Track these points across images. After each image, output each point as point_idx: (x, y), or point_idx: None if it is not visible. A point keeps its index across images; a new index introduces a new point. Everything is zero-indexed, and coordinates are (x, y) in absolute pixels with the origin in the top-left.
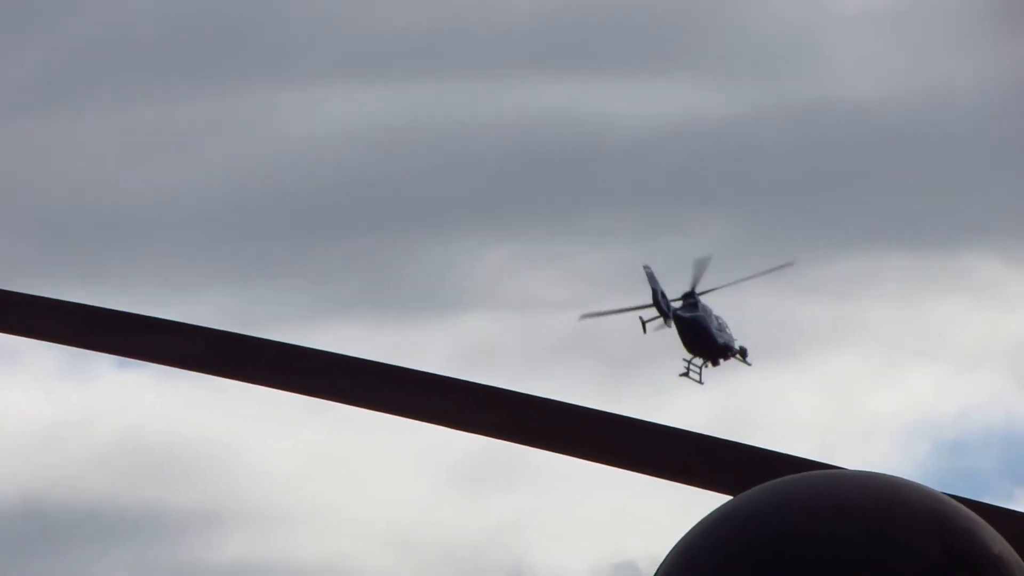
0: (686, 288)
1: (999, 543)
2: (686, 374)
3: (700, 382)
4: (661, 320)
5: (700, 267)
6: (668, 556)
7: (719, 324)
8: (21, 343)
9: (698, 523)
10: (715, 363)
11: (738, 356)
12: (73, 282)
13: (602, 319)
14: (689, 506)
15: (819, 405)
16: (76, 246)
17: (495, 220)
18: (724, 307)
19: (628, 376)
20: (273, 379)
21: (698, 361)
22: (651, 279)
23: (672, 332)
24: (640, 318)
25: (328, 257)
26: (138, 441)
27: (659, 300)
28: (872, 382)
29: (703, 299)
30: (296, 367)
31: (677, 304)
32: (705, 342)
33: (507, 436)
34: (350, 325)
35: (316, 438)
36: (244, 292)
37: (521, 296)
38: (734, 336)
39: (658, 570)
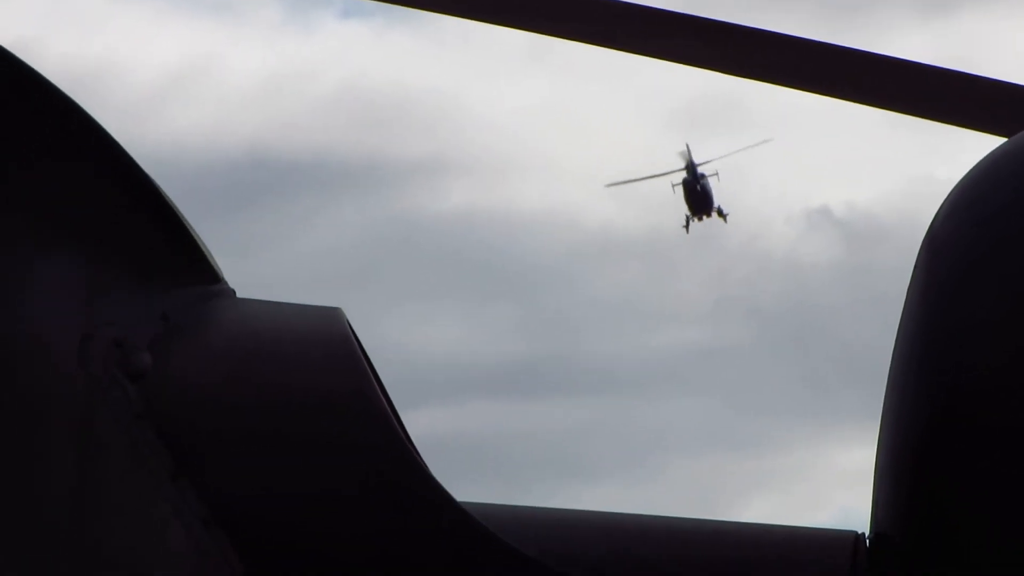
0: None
1: None
2: (686, 227)
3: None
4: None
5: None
6: (950, 197)
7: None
8: None
9: (981, 161)
10: (700, 219)
11: (720, 215)
12: None
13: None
14: (927, 152)
15: None
16: None
17: None
18: None
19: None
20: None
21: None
22: (689, 154)
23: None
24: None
25: None
26: (360, 91)
27: (694, 170)
28: None
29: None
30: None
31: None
32: (706, 205)
33: (738, 71)
34: None
35: (539, 86)
36: None
37: None
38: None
39: (938, 212)
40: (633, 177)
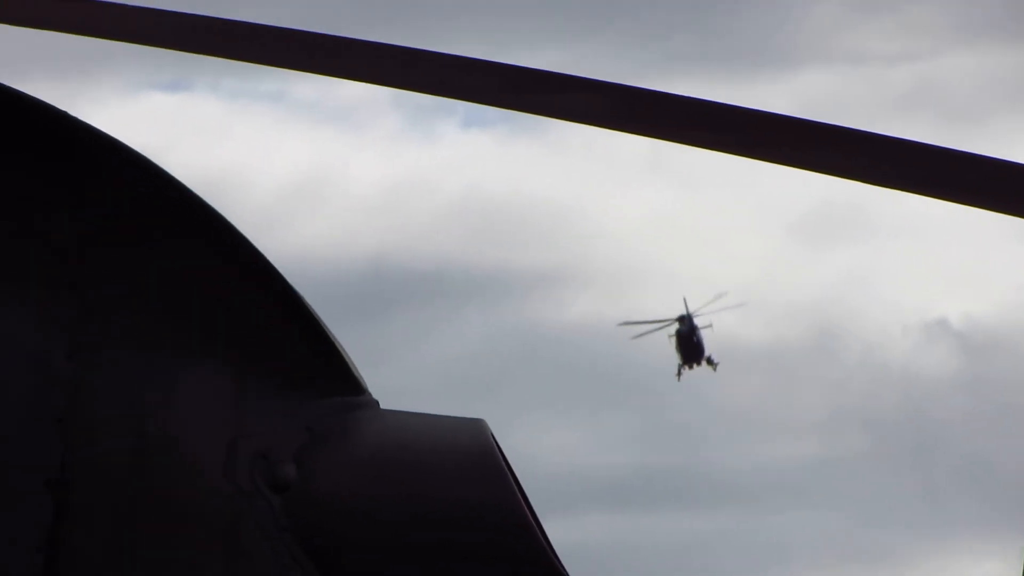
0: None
1: None
2: (678, 375)
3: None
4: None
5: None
6: None
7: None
8: (362, 105)
9: None
10: (691, 367)
11: (709, 363)
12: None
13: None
14: None
15: None
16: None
17: None
18: None
19: (973, 128)
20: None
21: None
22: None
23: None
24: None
25: (655, 10)
26: (482, 201)
27: (690, 320)
28: None
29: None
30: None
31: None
32: (698, 355)
33: (856, 176)
34: (684, 80)
35: (659, 196)
36: (578, 48)
37: (854, 49)
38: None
39: None
40: (646, 320)
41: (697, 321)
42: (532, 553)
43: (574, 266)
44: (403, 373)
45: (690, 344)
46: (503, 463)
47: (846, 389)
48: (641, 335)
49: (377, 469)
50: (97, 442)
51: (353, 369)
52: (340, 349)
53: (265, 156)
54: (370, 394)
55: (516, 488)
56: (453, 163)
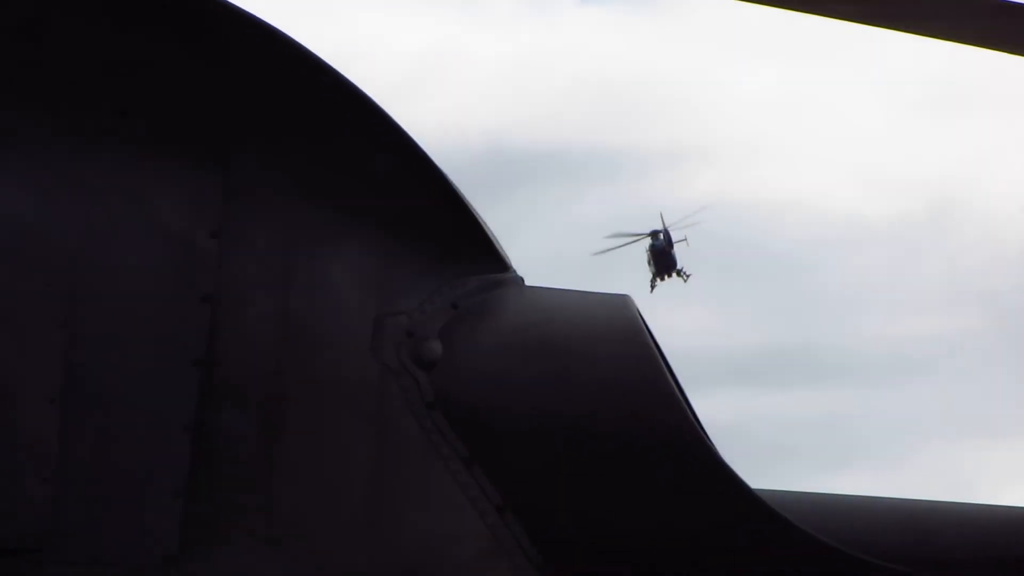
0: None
1: None
2: (652, 288)
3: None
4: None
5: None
6: None
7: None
8: None
9: None
10: (663, 279)
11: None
12: None
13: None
14: None
15: None
16: None
17: None
18: None
19: None
20: None
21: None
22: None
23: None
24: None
25: None
26: (602, 80)
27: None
28: None
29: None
30: None
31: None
32: (670, 267)
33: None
34: None
35: (784, 72)
36: None
37: None
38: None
39: None
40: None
41: (673, 235)
42: (679, 426)
43: (694, 144)
44: (522, 252)
45: (662, 257)
46: (649, 337)
47: (965, 266)
48: (609, 250)
49: (522, 344)
50: (243, 320)
51: (497, 246)
52: (484, 227)
53: (385, 35)
54: (515, 271)
55: (663, 362)
56: (571, 41)
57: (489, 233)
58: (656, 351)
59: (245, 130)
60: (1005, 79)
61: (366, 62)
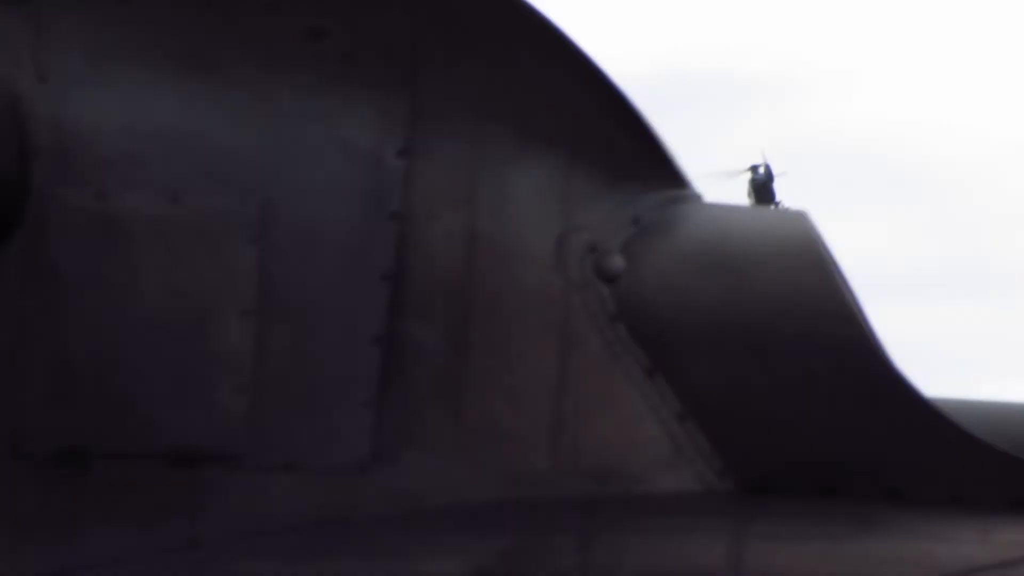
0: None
1: None
2: None
3: None
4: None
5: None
6: None
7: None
8: None
9: None
10: None
11: None
12: None
13: None
14: None
15: None
16: None
17: None
18: None
19: None
20: None
21: None
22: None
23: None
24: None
25: None
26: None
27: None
28: None
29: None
30: None
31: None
32: (768, 201)
33: None
34: None
35: None
36: None
37: None
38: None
39: None
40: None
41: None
42: (856, 337)
43: (861, 62)
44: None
45: (763, 192)
46: (828, 252)
47: None
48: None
49: (702, 259)
50: (430, 236)
51: (676, 163)
52: (664, 145)
53: None
54: (693, 187)
55: (842, 278)
56: None
57: (668, 151)
58: (834, 265)
59: (431, 52)
60: None
61: None
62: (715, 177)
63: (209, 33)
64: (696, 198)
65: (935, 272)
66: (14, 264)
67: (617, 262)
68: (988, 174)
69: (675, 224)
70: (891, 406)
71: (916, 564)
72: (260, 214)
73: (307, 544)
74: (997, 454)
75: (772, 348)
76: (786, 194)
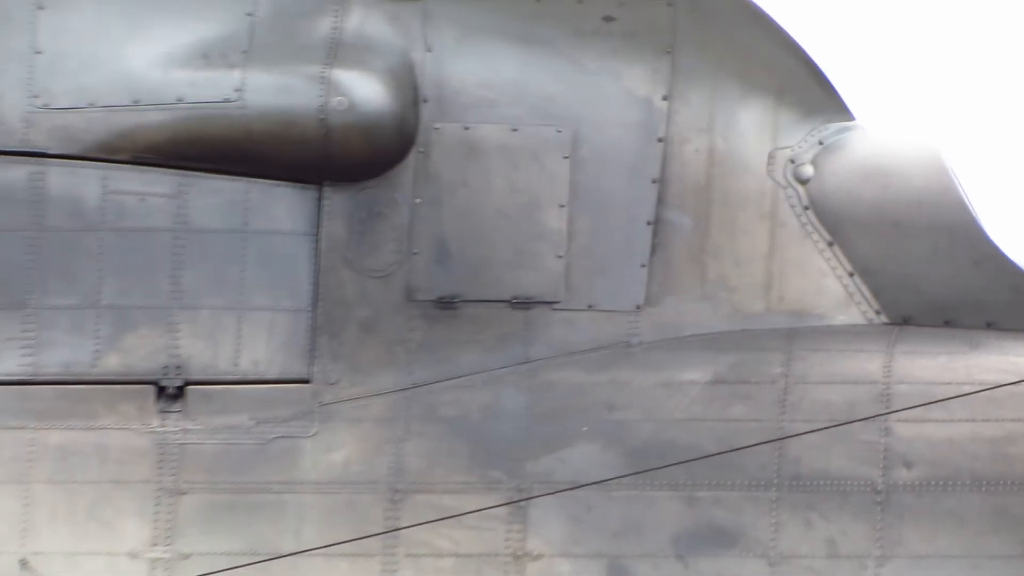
0: None
1: None
2: None
3: None
4: None
5: None
6: None
7: None
8: None
9: None
10: None
11: None
12: None
13: None
14: None
15: None
16: None
17: None
18: None
19: None
20: None
21: None
22: None
23: None
24: None
25: None
26: None
27: None
28: None
29: None
30: None
31: None
32: None
33: None
34: None
35: None
36: None
37: None
38: None
39: None
40: None
41: None
42: (968, 225)
43: None
44: None
45: None
46: (949, 164)
47: None
48: None
49: (864, 168)
50: (683, 154)
51: (844, 103)
52: (839, 91)
53: None
54: (858, 120)
55: (958, 181)
56: None
57: (840, 95)
58: (953, 172)
59: (684, 30)
60: None
61: None
62: None
63: (537, 17)
64: (860, 126)
65: None
66: (410, 172)
67: (809, 170)
68: None
69: (847, 144)
70: (989, 268)
71: (1007, 372)
72: (572, 139)
73: (601, 361)
74: None
75: (910, 229)
76: None
